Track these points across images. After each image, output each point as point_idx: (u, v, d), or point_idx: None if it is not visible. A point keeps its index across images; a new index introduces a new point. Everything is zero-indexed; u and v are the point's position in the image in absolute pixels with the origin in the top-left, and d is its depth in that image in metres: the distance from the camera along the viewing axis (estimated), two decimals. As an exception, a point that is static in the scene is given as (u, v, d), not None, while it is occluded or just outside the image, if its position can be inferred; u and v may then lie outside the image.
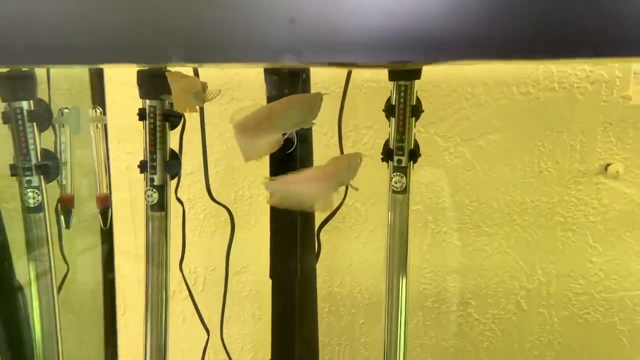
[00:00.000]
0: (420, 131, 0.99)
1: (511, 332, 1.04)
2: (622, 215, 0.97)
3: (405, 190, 0.60)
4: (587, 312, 1.01)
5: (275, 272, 0.66)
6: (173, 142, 0.69)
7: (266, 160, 0.80)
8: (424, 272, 1.05)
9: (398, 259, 0.62)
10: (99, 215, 0.73)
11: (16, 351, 0.78)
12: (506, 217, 1.01)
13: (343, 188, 0.75)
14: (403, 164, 0.58)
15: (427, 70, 0.90)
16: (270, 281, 0.74)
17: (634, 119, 0.94)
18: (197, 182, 1.02)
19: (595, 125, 0.95)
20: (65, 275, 0.70)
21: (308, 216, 0.74)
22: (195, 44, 0.30)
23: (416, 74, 0.57)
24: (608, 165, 0.95)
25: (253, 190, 1.06)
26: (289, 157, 0.74)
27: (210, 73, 0.85)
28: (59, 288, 0.68)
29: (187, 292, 0.80)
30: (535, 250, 1.01)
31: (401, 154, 0.58)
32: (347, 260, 1.06)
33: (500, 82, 0.97)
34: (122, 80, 0.93)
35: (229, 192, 1.06)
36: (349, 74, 0.68)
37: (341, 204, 0.82)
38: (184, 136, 0.71)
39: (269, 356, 0.77)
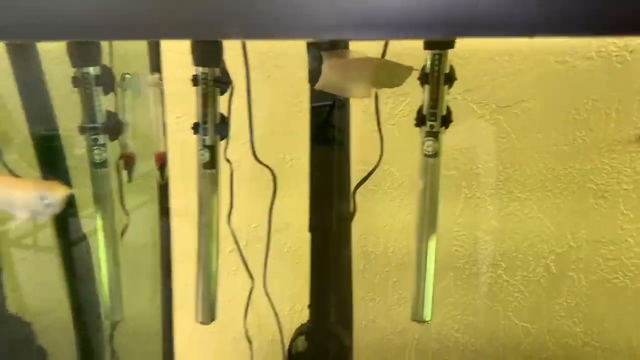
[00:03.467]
0: (456, 98, 1.02)
1: (539, 294, 1.08)
2: (656, 184, 0.99)
3: (436, 155, 0.64)
4: (616, 277, 1.04)
5: (314, 226, 0.72)
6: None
7: (304, 127, 0.85)
8: (456, 235, 1.09)
9: (429, 218, 0.67)
10: (157, 172, 0.81)
11: (82, 296, 0.87)
12: (539, 183, 1.03)
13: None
14: (435, 130, 0.62)
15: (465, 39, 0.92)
16: (308, 236, 0.80)
17: (673, 88, 0.95)
18: (241, 145, 1.08)
19: (632, 95, 0.96)
20: (126, 227, 0.78)
21: (344, 176, 0.79)
22: (251, 21, 0.35)
23: (450, 43, 0.60)
24: (644, 133, 0.97)
25: (293, 154, 1.12)
26: (328, 122, 0.79)
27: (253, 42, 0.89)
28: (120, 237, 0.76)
29: (231, 247, 0.88)
30: (566, 216, 1.04)
31: (433, 119, 0.62)
32: (382, 222, 1.11)
33: (538, 51, 0.98)
34: (171, 49, 0.99)
35: (270, 156, 1.11)
36: (386, 43, 0.72)
37: (376, 167, 0.87)
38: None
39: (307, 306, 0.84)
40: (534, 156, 1.02)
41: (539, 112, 1.00)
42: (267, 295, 0.81)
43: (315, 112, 0.76)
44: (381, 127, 0.79)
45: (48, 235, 0.98)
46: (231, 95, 0.76)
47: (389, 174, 1.09)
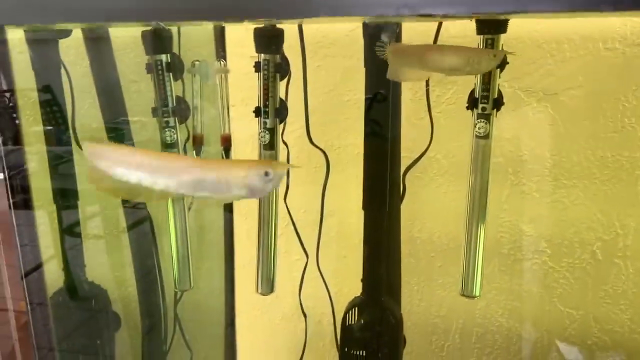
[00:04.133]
0: (504, 86, 1.03)
1: (585, 281, 1.09)
2: None
3: (488, 136, 0.66)
4: (664, 264, 1.04)
5: (367, 204, 0.76)
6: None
7: (355, 115, 0.89)
8: (501, 221, 1.11)
9: (479, 199, 0.70)
10: (222, 152, 0.86)
11: (148, 269, 0.93)
12: (586, 170, 1.04)
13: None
14: (487, 112, 0.65)
15: (513, 26, 0.94)
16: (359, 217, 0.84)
17: None
18: (294, 130, 1.13)
19: (684, 81, 0.96)
20: (191, 204, 0.84)
21: (395, 159, 0.82)
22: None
23: (502, 27, 0.63)
24: (695, 120, 0.96)
25: (342, 141, 1.16)
26: (381, 110, 0.83)
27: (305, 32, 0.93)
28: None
29: (285, 224, 0.92)
30: (614, 203, 1.04)
31: (485, 102, 0.65)
32: (428, 207, 1.14)
33: (586, 38, 0.99)
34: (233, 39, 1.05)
35: (319, 141, 1.16)
36: (438, 27, 0.75)
37: (424, 153, 0.90)
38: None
39: (355, 287, 0.88)
40: (581, 143, 1.03)
41: (587, 100, 1.01)
42: (320, 271, 0.86)
43: (370, 101, 0.80)
44: (432, 114, 0.82)
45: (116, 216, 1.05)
46: (288, 81, 0.80)
47: (436, 160, 1.12)
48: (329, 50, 1.11)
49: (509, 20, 0.64)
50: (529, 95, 1.04)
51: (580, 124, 1.03)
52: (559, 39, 1.00)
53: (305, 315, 0.91)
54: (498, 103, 0.65)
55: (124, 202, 0.91)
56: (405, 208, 1.15)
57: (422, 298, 1.19)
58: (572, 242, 1.08)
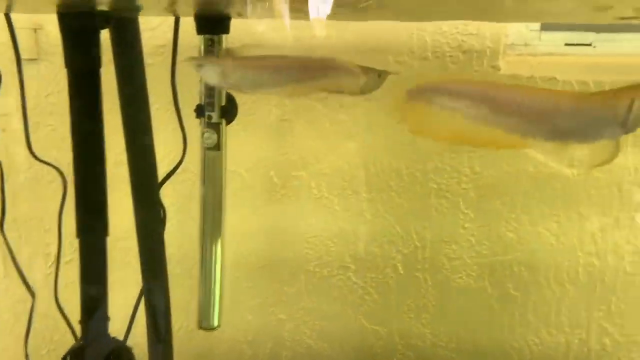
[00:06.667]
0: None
1: (388, 296, 1.07)
2: (494, 182, 1.01)
3: (218, 147, 0.60)
4: (460, 276, 1.05)
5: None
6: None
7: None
8: (306, 237, 1.07)
9: (214, 215, 0.63)
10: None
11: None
12: (383, 183, 1.03)
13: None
14: (214, 121, 0.59)
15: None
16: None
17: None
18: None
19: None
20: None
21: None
22: None
23: (224, 27, 0.57)
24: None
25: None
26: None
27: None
28: None
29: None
30: (411, 216, 1.04)
31: (211, 110, 0.58)
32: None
33: (377, 50, 0.99)
34: None
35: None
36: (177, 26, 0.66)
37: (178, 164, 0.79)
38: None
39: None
40: (378, 156, 1.02)
41: (380, 113, 1.00)
42: (60, 309, 0.71)
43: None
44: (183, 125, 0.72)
45: None
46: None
47: (238, 174, 1.05)
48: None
49: (230, 19, 0.59)
50: (325, 106, 1.01)
51: (376, 137, 1.02)
52: (349, 50, 0.99)
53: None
54: (228, 112, 0.59)
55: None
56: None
57: (228, 322, 1.10)
58: (375, 257, 1.06)
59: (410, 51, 0.98)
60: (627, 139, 0.95)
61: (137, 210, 0.69)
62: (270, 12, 0.48)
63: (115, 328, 0.79)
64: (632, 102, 0.48)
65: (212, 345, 1.12)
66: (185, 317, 1.10)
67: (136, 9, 0.57)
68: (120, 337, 0.74)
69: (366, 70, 0.72)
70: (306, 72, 0.50)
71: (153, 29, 0.95)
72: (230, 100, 0.58)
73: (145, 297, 0.74)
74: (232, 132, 1.02)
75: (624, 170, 0.97)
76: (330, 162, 1.04)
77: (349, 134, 1.02)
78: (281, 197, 1.05)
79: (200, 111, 0.58)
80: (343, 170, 1.04)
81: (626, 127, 0.50)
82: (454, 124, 0.50)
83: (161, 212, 0.71)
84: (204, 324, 0.60)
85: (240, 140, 1.03)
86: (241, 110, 1.02)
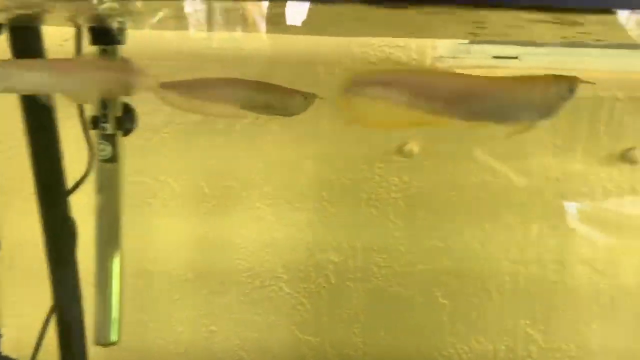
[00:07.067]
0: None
1: (320, 306, 1.07)
2: (422, 192, 1.02)
3: (114, 159, 0.59)
4: (390, 285, 1.06)
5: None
6: None
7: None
8: (238, 248, 1.06)
9: (110, 228, 0.61)
10: None
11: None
12: (315, 193, 1.03)
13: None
14: (109, 132, 0.58)
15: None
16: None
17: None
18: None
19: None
20: None
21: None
22: None
23: (118, 38, 0.56)
24: (404, 145, 1.00)
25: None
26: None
27: None
28: None
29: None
30: (342, 225, 1.04)
31: (105, 121, 0.57)
32: (161, 236, 1.06)
33: (311, 63, 0.99)
34: None
35: None
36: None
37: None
38: None
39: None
40: (310, 166, 1.02)
41: (309, 123, 1.00)
42: None
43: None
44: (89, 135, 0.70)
45: None
46: None
47: (167, 184, 1.04)
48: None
49: (125, 30, 0.58)
50: (256, 116, 1.01)
51: (307, 147, 1.02)
52: (280, 62, 0.99)
53: None
54: (125, 123, 0.58)
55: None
56: (133, 238, 1.05)
57: (158, 335, 1.08)
58: (307, 267, 1.06)
59: (339, 63, 0.99)
60: (548, 150, 0.98)
61: (45, 223, 0.67)
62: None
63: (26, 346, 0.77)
64: (548, 88, 0.54)
65: (143, 358, 1.09)
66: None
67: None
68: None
69: (292, 92, 0.75)
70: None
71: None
72: (128, 111, 0.57)
73: (56, 313, 0.72)
74: (162, 141, 1.02)
75: (547, 180, 0.99)
76: (262, 172, 1.03)
77: (281, 144, 1.02)
78: (212, 208, 1.04)
79: (95, 123, 0.57)
80: (275, 181, 1.03)
81: (541, 112, 0.55)
82: (385, 111, 0.56)
83: (71, 225, 0.69)
84: (101, 339, 0.59)
85: (170, 150, 1.02)
86: (171, 119, 1.02)
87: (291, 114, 0.72)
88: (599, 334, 1.04)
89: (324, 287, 1.07)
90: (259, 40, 0.97)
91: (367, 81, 0.58)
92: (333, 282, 1.06)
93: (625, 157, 0.96)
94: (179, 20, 0.61)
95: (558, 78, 0.56)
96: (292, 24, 0.56)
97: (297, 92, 0.68)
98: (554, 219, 1.01)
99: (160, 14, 0.49)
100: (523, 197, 1.00)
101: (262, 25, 0.68)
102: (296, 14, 0.54)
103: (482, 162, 1.00)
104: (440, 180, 1.01)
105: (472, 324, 1.05)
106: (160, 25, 0.53)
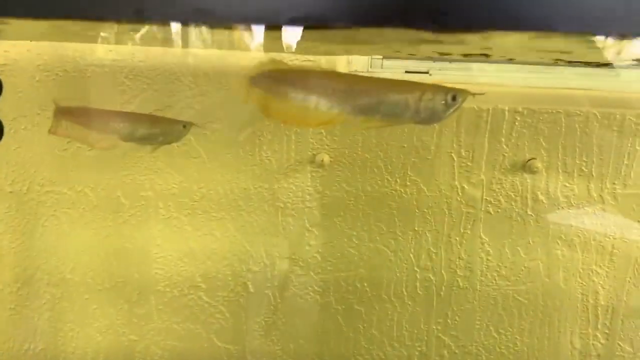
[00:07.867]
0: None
1: (239, 314, 1.09)
2: (336, 201, 1.05)
3: None
4: (307, 292, 1.08)
5: None
6: None
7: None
8: (156, 258, 1.07)
9: None
10: None
11: None
12: (232, 202, 1.05)
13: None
14: None
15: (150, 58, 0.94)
16: None
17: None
18: None
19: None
20: None
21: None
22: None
23: None
24: (316, 155, 1.03)
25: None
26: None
27: None
28: None
29: None
30: (260, 234, 1.06)
31: None
32: (79, 245, 1.06)
33: (222, 73, 1.01)
34: None
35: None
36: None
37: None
38: None
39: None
40: (226, 176, 1.04)
41: (226, 133, 1.03)
42: None
43: None
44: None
45: None
46: None
47: (84, 195, 1.05)
48: None
49: None
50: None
51: (222, 157, 1.04)
52: (195, 73, 1.01)
53: None
54: None
55: None
56: (50, 247, 1.06)
57: (76, 345, 1.09)
58: (225, 275, 1.08)
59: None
60: (453, 162, 1.02)
61: None
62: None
63: None
64: (422, 94, 0.61)
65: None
66: (32, 338, 1.07)
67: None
68: None
69: (172, 122, 0.80)
70: None
71: None
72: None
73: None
74: (78, 152, 1.03)
75: (453, 189, 1.03)
76: (178, 182, 1.05)
77: (196, 154, 1.04)
78: (129, 218, 1.05)
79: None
80: (192, 190, 1.05)
81: (426, 115, 0.62)
82: (288, 107, 0.62)
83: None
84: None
85: (86, 160, 1.03)
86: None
87: (170, 142, 0.78)
88: (506, 337, 1.07)
89: (243, 295, 1.08)
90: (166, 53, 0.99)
91: (272, 77, 0.65)
92: (252, 290, 1.08)
93: (526, 167, 1.00)
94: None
95: (445, 88, 0.62)
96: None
97: (178, 121, 0.74)
98: (462, 226, 1.05)
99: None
100: (430, 205, 1.03)
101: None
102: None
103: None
104: (352, 190, 1.04)
105: (386, 330, 1.08)
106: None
